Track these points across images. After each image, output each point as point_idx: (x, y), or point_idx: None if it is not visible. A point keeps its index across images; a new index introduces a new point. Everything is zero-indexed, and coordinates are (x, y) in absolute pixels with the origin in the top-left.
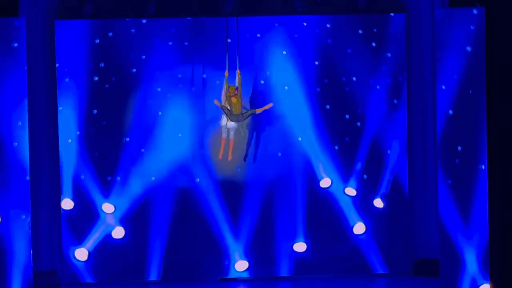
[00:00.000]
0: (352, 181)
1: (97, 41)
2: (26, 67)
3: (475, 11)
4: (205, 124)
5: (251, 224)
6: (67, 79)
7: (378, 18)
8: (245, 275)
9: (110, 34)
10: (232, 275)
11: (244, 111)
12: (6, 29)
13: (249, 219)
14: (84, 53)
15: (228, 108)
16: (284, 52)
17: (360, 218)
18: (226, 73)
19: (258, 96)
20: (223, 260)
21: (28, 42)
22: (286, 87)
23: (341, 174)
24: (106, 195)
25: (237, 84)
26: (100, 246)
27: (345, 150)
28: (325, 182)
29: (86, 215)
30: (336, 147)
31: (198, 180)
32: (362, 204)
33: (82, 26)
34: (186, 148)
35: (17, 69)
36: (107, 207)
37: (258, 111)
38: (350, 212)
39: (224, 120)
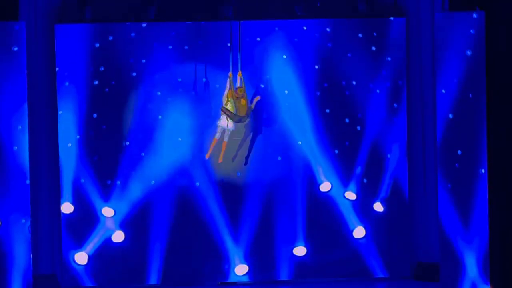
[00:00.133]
0: (352, 185)
1: (97, 45)
2: (26, 71)
3: (475, 15)
4: (205, 128)
5: (251, 228)
6: (67, 83)
7: (378, 22)
8: (245, 279)
9: (110, 38)
10: (232, 279)
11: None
12: (6, 33)
13: (249, 223)
14: (84, 57)
15: (230, 109)
16: (284, 56)
17: (360, 222)
18: (230, 74)
19: (258, 100)
20: (223, 264)
21: (28, 46)
22: (286, 91)
23: (341, 178)
24: (106, 199)
25: (242, 86)
26: (100, 250)
27: (345, 154)
28: (325, 186)
29: (86, 219)
30: (336, 151)
31: (198, 184)
32: (362, 208)
33: (82, 30)
34: (186, 152)
35: (17, 73)
36: (107, 211)
37: (252, 106)
38: (350, 216)
39: (224, 121)
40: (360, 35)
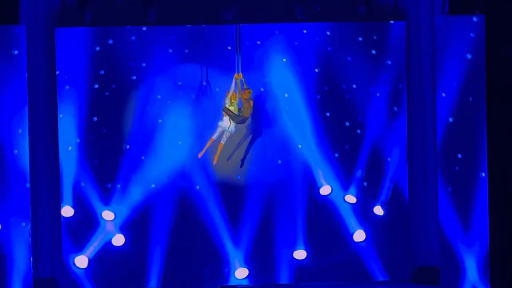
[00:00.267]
0: (352, 188)
1: (97, 48)
2: (26, 75)
3: (475, 19)
4: (205, 132)
5: (251, 231)
6: (67, 87)
7: (378, 25)
8: (245, 282)
9: (110, 41)
10: (232, 282)
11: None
12: (7, 36)
13: (249, 227)
14: (85, 61)
15: (233, 110)
16: (284, 60)
17: (360, 225)
18: (236, 76)
19: (259, 103)
20: (223, 268)
21: (28, 50)
22: (286, 95)
23: (341, 181)
24: (106, 203)
25: (245, 87)
26: (100, 254)
27: (345, 157)
28: (325, 190)
29: (86, 222)
30: (336, 155)
31: (198, 187)
32: (362, 211)
33: (83, 34)
34: (186, 156)
35: (17, 77)
36: (107, 215)
37: (242, 97)
38: (350, 219)
39: (227, 122)
40: (360, 39)
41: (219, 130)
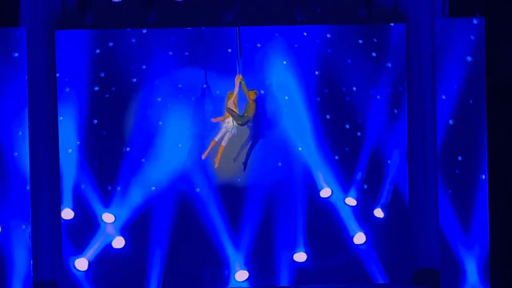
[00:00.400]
0: (353, 191)
1: (98, 51)
2: (26, 77)
3: (475, 21)
4: (206, 134)
5: (251, 234)
6: (67, 89)
7: (378, 28)
8: (245, 285)
9: (111, 44)
10: (232, 285)
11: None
12: (7, 39)
13: (249, 229)
14: (85, 63)
15: (236, 112)
16: (284, 62)
17: (360, 228)
18: (240, 78)
19: (258, 105)
20: (223, 270)
21: (28, 52)
22: (286, 97)
23: (341, 184)
24: (106, 205)
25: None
26: (100, 256)
27: (345, 160)
28: (325, 192)
29: (86, 225)
30: (336, 157)
31: (198, 190)
32: (363, 214)
33: (83, 36)
34: (186, 158)
35: (17, 79)
36: (107, 217)
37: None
38: (350, 222)
39: (230, 123)
40: (360, 41)
41: (222, 131)
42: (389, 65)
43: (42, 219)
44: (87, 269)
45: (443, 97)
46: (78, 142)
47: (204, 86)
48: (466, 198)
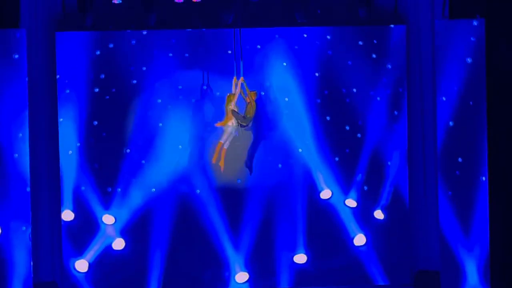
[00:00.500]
0: (353, 192)
1: (98, 52)
2: (26, 79)
3: (475, 23)
4: (206, 136)
5: (251, 235)
6: (67, 91)
7: (378, 29)
8: (246, 286)
9: (111, 45)
10: (232, 286)
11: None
12: (7, 40)
13: (249, 231)
14: (85, 65)
15: (238, 112)
16: (284, 64)
17: (360, 229)
18: (242, 79)
19: (258, 107)
20: (224, 272)
21: (28, 54)
22: (286, 99)
23: (342, 185)
24: (107, 207)
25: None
26: (101, 258)
27: (345, 161)
28: (325, 194)
29: (87, 226)
30: (337, 159)
31: (198, 191)
32: (363, 215)
33: (83, 38)
34: (187, 160)
35: (17, 81)
36: (108, 219)
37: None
38: (351, 223)
39: (236, 125)
40: (360, 43)
41: (227, 132)
42: (389, 66)
43: (42, 221)
44: (87, 271)
45: (443, 98)
46: (78, 144)
47: (204, 87)
48: (466, 200)
